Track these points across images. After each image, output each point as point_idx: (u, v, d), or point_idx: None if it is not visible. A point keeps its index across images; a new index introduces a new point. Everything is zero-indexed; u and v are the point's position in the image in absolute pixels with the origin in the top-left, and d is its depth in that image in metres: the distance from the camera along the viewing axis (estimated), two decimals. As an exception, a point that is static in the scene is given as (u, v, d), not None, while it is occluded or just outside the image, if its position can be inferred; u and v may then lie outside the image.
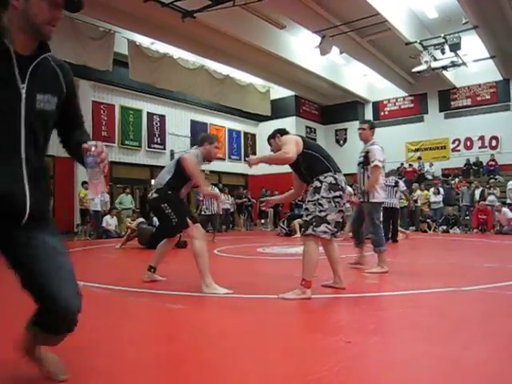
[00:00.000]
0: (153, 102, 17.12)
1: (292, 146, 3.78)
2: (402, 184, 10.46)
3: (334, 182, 3.77)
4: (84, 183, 13.06)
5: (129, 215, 12.87)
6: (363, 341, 2.53)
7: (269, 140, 4.28)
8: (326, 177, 3.78)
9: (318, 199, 3.71)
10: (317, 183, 3.77)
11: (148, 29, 13.20)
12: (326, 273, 4.19)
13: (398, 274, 5.16)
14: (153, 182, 15.84)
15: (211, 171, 17.32)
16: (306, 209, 3.81)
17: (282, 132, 4.18)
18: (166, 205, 4.27)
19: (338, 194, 3.76)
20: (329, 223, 3.73)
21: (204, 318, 3.30)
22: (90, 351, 2.37)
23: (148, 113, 16.97)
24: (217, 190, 11.30)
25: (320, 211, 3.69)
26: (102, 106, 15.43)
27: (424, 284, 4.42)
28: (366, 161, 5.31)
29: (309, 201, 3.79)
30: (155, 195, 4.40)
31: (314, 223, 3.69)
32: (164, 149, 17.39)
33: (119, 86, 15.73)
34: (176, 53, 15.43)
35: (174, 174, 4.37)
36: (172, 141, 17.68)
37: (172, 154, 17.53)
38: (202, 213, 11.35)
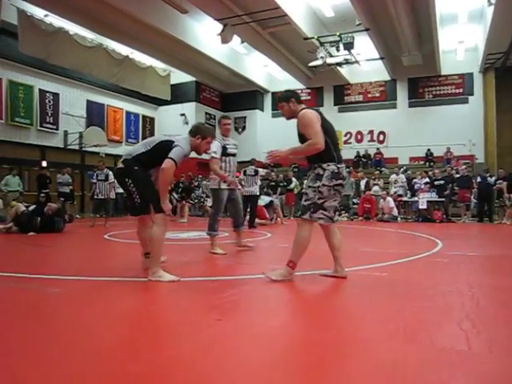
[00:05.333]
0: (46, 78, 16.15)
1: (319, 131, 3.71)
2: (261, 171, 10.71)
3: (336, 171, 3.79)
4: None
5: (16, 198, 12.16)
6: (232, 318, 2.75)
7: (280, 102, 4.07)
8: (329, 165, 3.79)
9: (318, 186, 3.76)
10: (319, 170, 3.79)
11: (41, -1, 12.45)
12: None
13: (274, 258, 5.50)
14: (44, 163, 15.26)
15: (107, 154, 16.84)
16: (306, 193, 3.84)
17: (298, 99, 4.03)
18: (130, 180, 3.95)
19: (339, 182, 3.82)
20: (325, 210, 3.81)
21: (80, 302, 3.33)
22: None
23: (40, 90, 16.00)
24: None
25: (319, 198, 3.77)
26: (-14, 79, 14.31)
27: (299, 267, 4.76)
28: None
29: (309, 186, 3.82)
30: (121, 165, 4.01)
31: (312, 209, 3.77)
32: (57, 129, 16.52)
33: (8, 58, 14.65)
34: (72, 28, 14.70)
35: (149, 150, 3.99)
36: (66, 121, 16.85)
37: (66, 134, 16.74)
38: (95, 197, 11.06)
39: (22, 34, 13.16)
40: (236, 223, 6.11)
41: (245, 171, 10.40)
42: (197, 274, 4.36)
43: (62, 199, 13.93)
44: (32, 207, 8.95)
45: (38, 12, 13.58)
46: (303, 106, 4.00)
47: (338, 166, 3.81)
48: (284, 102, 4.01)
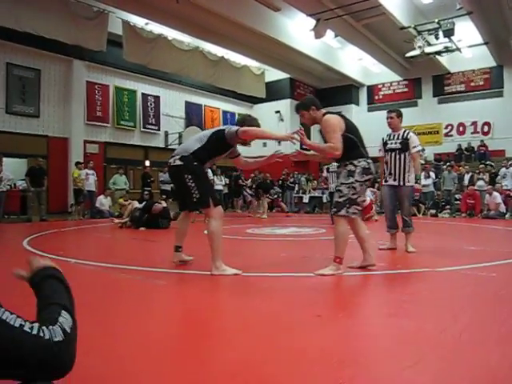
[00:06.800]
0: (147, 82, 17.15)
1: (339, 138, 3.88)
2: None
3: (366, 166, 3.98)
4: (78, 163, 13.17)
5: (122, 196, 13.03)
6: (332, 315, 2.74)
7: (299, 109, 4.20)
8: (359, 161, 3.97)
9: (351, 182, 3.92)
10: (351, 167, 3.95)
11: (142, 9, 13.20)
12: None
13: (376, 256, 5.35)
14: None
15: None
16: (340, 190, 3.99)
17: (317, 105, 4.15)
18: (189, 176, 3.98)
19: (369, 177, 4.02)
20: (358, 204, 4.01)
21: (184, 294, 3.49)
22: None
23: (142, 93, 17.01)
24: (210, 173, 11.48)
25: (353, 194, 3.92)
26: (96, 87, 15.47)
27: (399, 265, 4.62)
28: (403, 147, 5.49)
29: (342, 183, 3.98)
30: (179, 162, 4.03)
31: (348, 205, 3.92)
32: (158, 130, 17.48)
33: (114, 66, 15.76)
34: (171, 34, 15.45)
35: (205, 144, 4.08)
36: (166, 122, 17.76)
37: (166, 135, 17.62)
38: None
39: (126, 42, 14.09)
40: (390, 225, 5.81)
41: (328, 168, 10.14)
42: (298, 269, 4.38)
43: (164, 196, 14.66)
44: (143, 204, 9.65)
45: (140, 21, 14.41)
46: (323, 111, 4.13)
47: (368, 161, 4.01)
48: (304, 111, 4.14)
